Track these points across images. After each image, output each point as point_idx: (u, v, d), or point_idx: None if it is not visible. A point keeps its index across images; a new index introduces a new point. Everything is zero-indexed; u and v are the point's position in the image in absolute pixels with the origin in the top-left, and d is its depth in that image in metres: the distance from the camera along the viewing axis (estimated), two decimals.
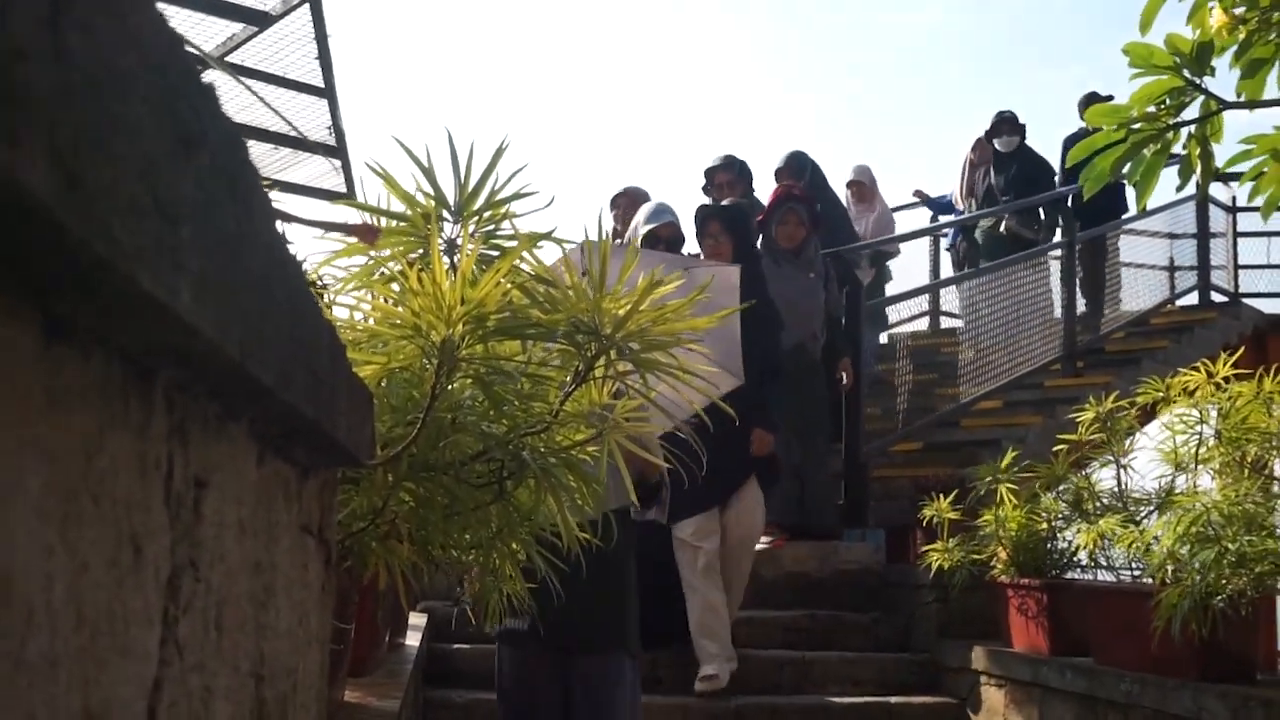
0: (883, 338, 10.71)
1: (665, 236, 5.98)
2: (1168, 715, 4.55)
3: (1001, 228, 10.67)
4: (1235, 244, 12.90)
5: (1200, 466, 4.54)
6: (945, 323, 12.81)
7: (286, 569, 1.14)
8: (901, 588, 7.04)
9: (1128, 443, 5.03)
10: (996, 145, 10.80)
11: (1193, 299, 12.40)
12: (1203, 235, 12.40)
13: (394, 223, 2.00)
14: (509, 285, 1.77)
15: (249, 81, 7.96)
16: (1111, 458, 5.10)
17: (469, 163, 1.91)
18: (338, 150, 8.73)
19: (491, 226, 1.98)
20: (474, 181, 1.92)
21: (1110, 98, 11.38)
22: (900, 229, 11.11)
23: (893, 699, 6.25)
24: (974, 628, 6.38)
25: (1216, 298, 12.39)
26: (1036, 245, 10.44)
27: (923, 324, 12.96)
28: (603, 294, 1.80)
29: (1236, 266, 12.87)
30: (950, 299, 12.52)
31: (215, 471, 0.78)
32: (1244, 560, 4.12)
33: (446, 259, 1.91)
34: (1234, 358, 4.77)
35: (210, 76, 7.89)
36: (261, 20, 7.20)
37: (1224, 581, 4.14)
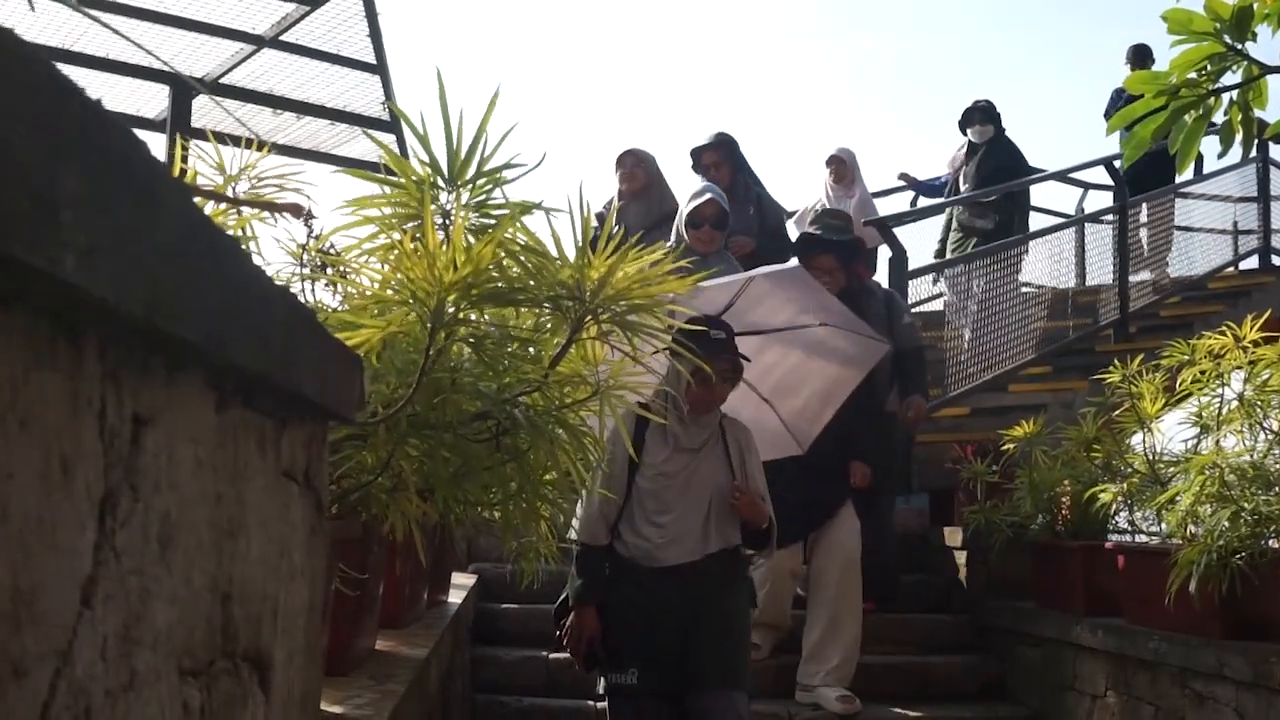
0: (939, 304, 10.68)
1: (710, 215, 6.02)
2: (1193, 672, 4.63)
3: (954, 221, 10.26)
4: None
5: (1223, 428, 4.59)
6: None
7: (261, 506, 1.30)
8: (943, 550, 7.14)
9: (1155, 405, 5.08)
10: (969, 135, 10.32)
11: (1254, 262, 12.30)
12: (1264, 197, 12.28)
13: (394, 191, 2.14)
14: (499, 253, 1.91)
15: (303, 59, 8.16)
16: (1139, 419, 5.15)
17: (460, 131, 2.04)
18: (393, 125, 8.91)
19: (483, 196, 2.12)
20: (465, 149, 2.05)
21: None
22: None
23: (934, 658, 6.37)
24: (1013, 589, 6.47)
25: (1279, 261, 12.27)
26: (994, 239, 9.77)
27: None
28: (585, 261, 1.94)
29: None
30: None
31: (161, 412, 0.93)
32: (1262, 520, 4.19)
33: (441, 229, 2.05)
34: (1260, 320, 4.80)
35: (264, 55, 8.11)
36: (313, 0, 7.37)
37: (1244, 540, 4.21)
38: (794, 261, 5.59)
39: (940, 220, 10.73)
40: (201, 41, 7.86)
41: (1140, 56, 11.39)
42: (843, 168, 9.82)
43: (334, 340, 1.51)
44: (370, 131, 8.36)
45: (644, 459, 4.07)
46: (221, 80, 8.31)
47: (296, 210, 2.02)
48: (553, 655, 5.91)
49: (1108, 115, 11.69)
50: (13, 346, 0.67)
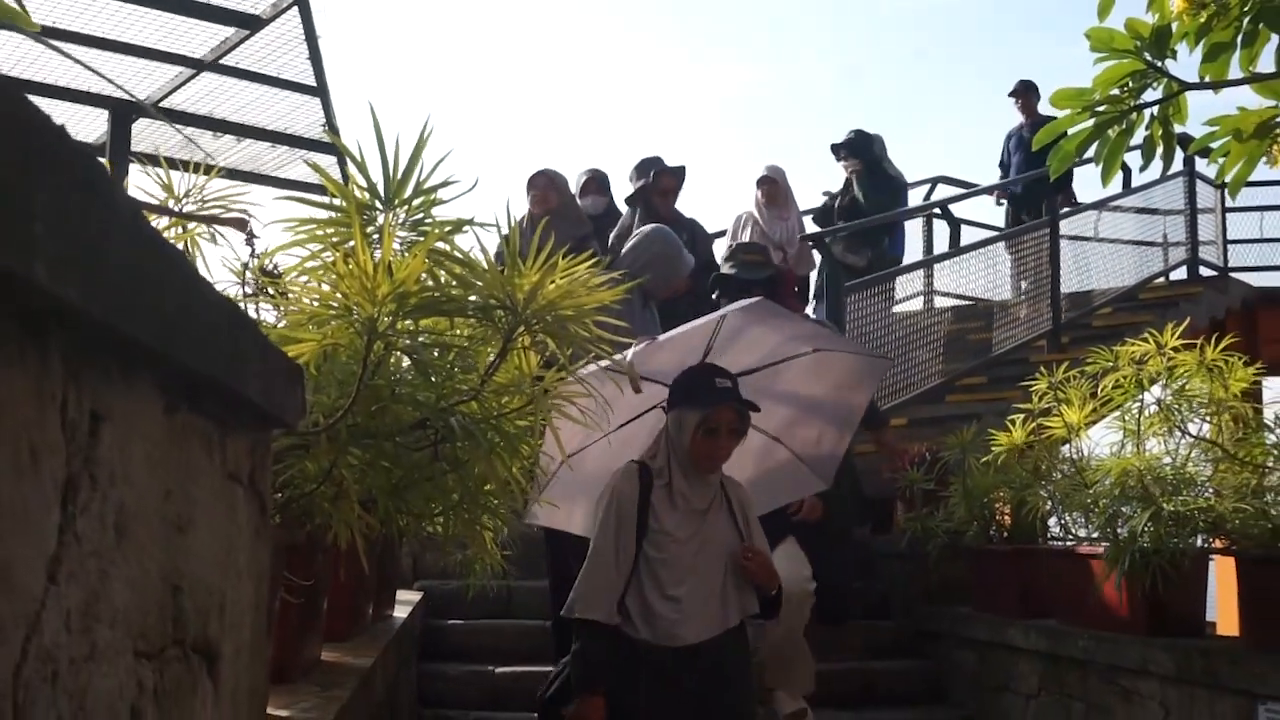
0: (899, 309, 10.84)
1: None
2: (1120, 669, 4.79)
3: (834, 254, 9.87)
4: (1224, 219, 13.07)
5: (1144, 433, 4.75)
6: (940, 302, 13.01)
7: (208, 505, 1.38)
8: (885, 558, 7.27)
9: (1081, 412, 5.24)
10: (842, 166, 10.12)
11: (1183, 273, 12.59)
12: (1191, 210, 12.58)
13: (332, 214, 2.23)
14: (428, 266, 2.01)
15: (242, 83, 8.20)
16: (1066, 426, 5.31)
17: (396, 155, 2.14)
18: (333, 147, 8.95)
19: (421, 214, 2.22)
20: (401, 172, 2.15)
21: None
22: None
23: (875, 664, 6.50)
24: (951, 594, 6.61)
25: (1206, 272, 12.57)
26: (867, 273, 9.50)
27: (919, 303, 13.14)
28: (514, 272, 2.04)
29: (1225, 241, 13.04)
30: (944, 279, 12.72)
31: (114, 411, 1.01)
32: (1181, 520, 4.34)
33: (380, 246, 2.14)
34: (1180, 329, 4.97)
35: (204, 79, 8.14)
36: (252, 23, 7.41)
37: (1165, 540, 4.37)
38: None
39: None
40: (140, 66, 7.87)
41: (1027, 90, 11.68)
42: (774, 188, 9.19)
43: (276, 350, 1.59)
44: (310, 154, 8.41)
45: (651, 524, 3.65)
46: (161, 104, 8.33)
47: (241, 224, 2.10)
48: (499, 670, 5.98)
49: (1002, 164, 12.12)
50: None
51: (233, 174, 8.99)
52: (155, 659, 1.15)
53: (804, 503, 5.37)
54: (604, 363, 2.89)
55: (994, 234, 11.46)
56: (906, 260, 10.49)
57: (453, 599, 6.39)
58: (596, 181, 8.63)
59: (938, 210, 11.63)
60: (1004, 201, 12.10)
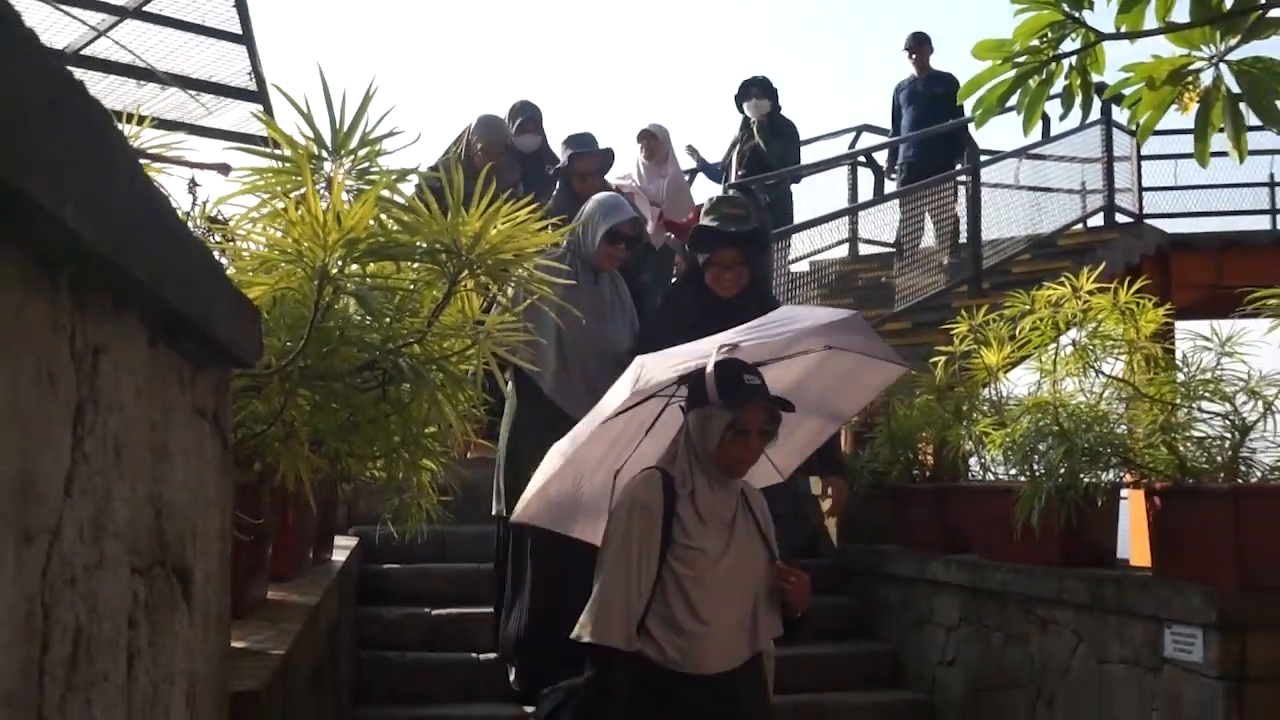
0: (805, 265, 11.04)
1: (628, 234, 5.79)
2: (1037, 599, 4.99)
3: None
4: (1140, 167, 13.36)
5: (1060, 372, 4.93)
6: (864, 249, 13.21)
7: (182, 437, 1.47)
8: (810, 499, 7.45)
9: (1000, 353, 5.41)
10: (746, 110, 9.91)
11: (1100, 220, 12.88)
12: (1108, 159, 12.85)
13: (284, 163, 2.30)
14: (375, 213, 2.09)
15: (167, 30, 8.13)
16: (985, 367, 5.49)
17: (343, 107, 2.22)
18: (259, 95, 8.91)
19: (366, 164, 2.29)
20: (347, 124, 2.22)
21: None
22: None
23: None
24: (876, 533, 6.80)
25: (1122, 219, 12.87)
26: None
27: (844, 250, 13.33)
28: (457, 218, 2.13)
29: (1141, 189, 13.34)
30: (868, 227, 12.92)
31: (110, 343, 1.10)
32: (1094, 456, 4.54)
33: (326, 194, 2.22)
34: (1096, 273, 5.15)
35: (128, 26, 8.06)
36: None
37: (1078, 475, 4.56)
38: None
39: None
40: (61, 14, 7.78)
41: (919, 43, 11.62)
42: (654, 143, 9.04)
43: (239, 292, 1.67)
44: (237, 102, 8.37)
45: (678, 537, 3.30)
46: (83, 52, 8.24)
47: (225, 169, 2.17)
48: (435, 612, 6.08)
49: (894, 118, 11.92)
50: (15, 279, 0.84)
51: (160, 123, 8.94)
52: (145, 575, 1.24)
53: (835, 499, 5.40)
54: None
55: (917, 182, 11.64)
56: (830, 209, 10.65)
57: (388, 544, 6.45)
58: (534, 121, 8.55)
59: (863, 158, 11.80)
60: (894, 174, 11.93)
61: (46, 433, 0.90)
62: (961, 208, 10.97)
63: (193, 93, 9.05)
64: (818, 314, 4.11)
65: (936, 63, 11.65)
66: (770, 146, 9.79)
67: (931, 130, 11.01)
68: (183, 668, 1.43)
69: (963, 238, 11.33)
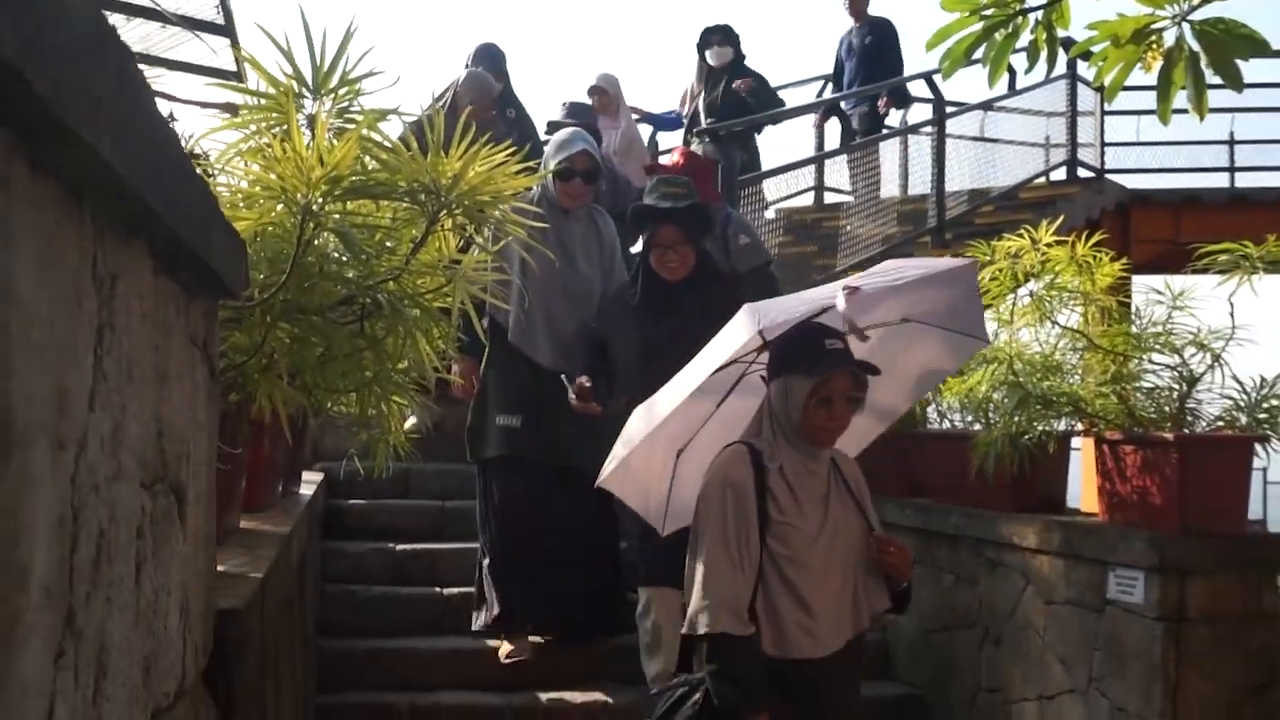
0: (770, 213, 11.10)
1: (582, 168, 5.59)
2: (987, 542, 5.14)
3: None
4: (1103, 122, 13.48)
5: (1017, 323, 5.05)
6: (830, 198, 13.30)
7: (178, 362, 1.54)
8: None
9: None
10: (708, 57, 9.65)
11: (1062, 174, 13.01)
12: (1071, 113, 12.96)
13: (264, 100, 2.36)
14: (359, 152, 2.15)
15: None
16: None
17: (324, 46, 2.27)
18: (226, 29, 8.84)
19: (346, 104, 2.35)
20: (328, 63, 2.28)
21: None
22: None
23: None
24: None
25: (1084, 173, 13.00)
26: (743, 172, 9.15)
27: (809, 199, 13.41)
28: (438, 159, 2.19)
29: (1103, 144, 13.46)
30: (834, 176, 13.01)
31: (123, 270, 1.17)
32: (1047, 404, 4.67)
33: (307, 131, 2.28)
34: (1054, 225, 5.26)
35: None
36: None
37: (1032, 423, 4.69)
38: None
39: None
40: None
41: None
42: (606, 98, 8.88)
43: (231, 226, 1.74)
44: (203, 35, 8.30)
45: (773, 515, 3.11)
46: None
47: (232, 109, 2.22)
48: (399, 547, 6.17)
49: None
50: (52, 207, 0.91)
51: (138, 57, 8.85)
52: (149, 490, 1.32)
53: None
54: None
55: (884, 132, 11.72)
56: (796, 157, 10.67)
57: (352, 480, 6.52)
58: (495, 66, 8.42)
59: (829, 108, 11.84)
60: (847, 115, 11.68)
61: (74, 351, 0.97)
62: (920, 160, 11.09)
63: (160, 24, 8.99)
64: (929, 265, 3.71)
65: (905, 10, 11.58)
66: (738, 97, 9.51)
67: (866, 90, 10.87)
68: (178, 580, 1.51)
69: (914, 189, 11.46)
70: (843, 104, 11.39)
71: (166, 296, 1.42)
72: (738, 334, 3.14)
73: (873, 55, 11.03)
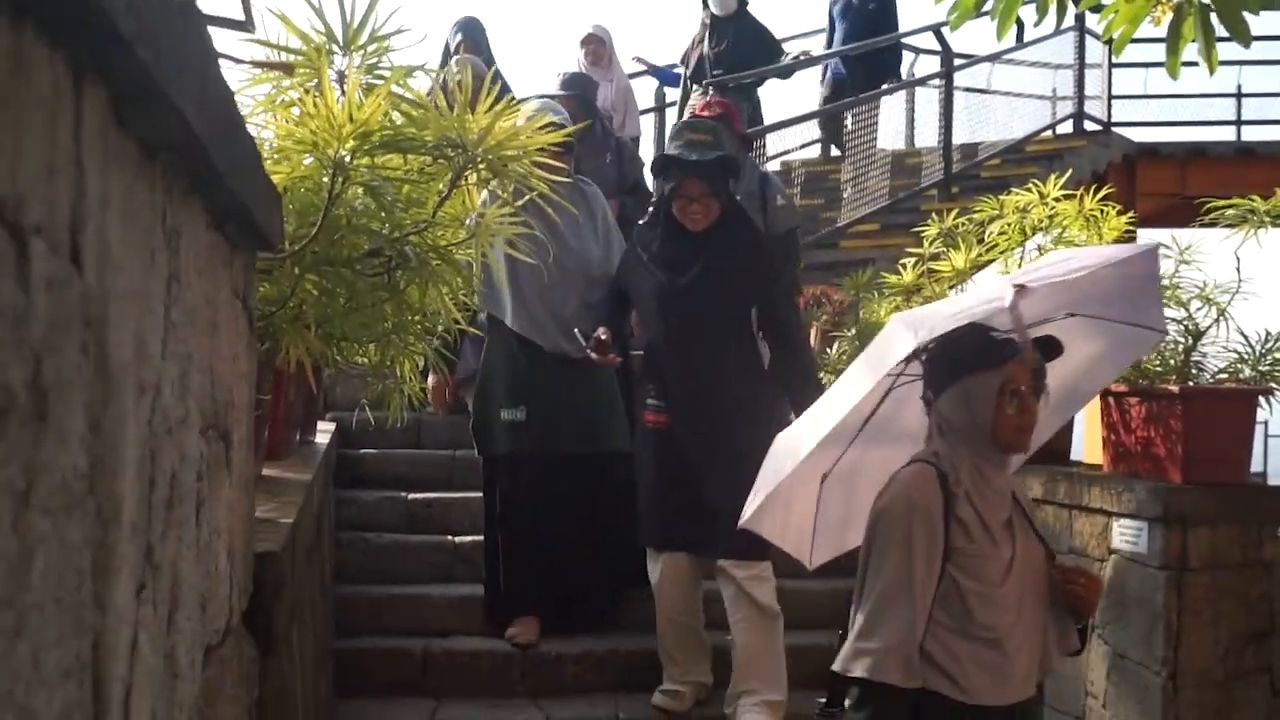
0: (776, 164, 11.11)
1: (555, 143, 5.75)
2: None
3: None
4: (1110, 75, 13.46)
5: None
6: (835, 150, 13.30)
7: (226, 313, 1.60)
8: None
9: (968, 255, 5.57)
10: (712, 8, 9.35)
11: (1069, 127, 13.01)
12: (1079, 66, 12.94)
13: (293, 56, 2.40)
14: (388, 108, 2.20)
15: None
16: (954, 268, 5.65)
17: (354, 3, 2.31)
18: None
19: (375, 60, 2.39)
20: (358, 20, 2.32)
21: None
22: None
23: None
24: None
25: (1091, 126, 13.00)
26: (748, 125, 8.40)
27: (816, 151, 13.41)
28: (466, 114, 2.24)
29: (1110, 96, 13.45)
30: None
31: (184, 225, 1.23)
32: None
33: (337, 87, 2.32)
34: (1063, 179, 5.29)
35: None
36: None
37: None
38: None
39: None
40: None
41: None
42: (601, 48, 8.66)
43: (270, 180, 1.79)
44: (272, 7, 8.32)
45: (960, 543, 2.74)
46: None
47: (288, 70, 2.26)
48: (411, 496, 6.25)
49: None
50: (130, 164, 0.97)
51: None
52: (205, 434, 1.38)
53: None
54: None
55: (891, 85, 11.70)
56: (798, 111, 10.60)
57: (365, 430, 6.61)
58: (474, 39, 8.03)
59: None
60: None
61: (150, 301, 1.03)
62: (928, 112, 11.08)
63: None
64: (1104, 255, 3.15)
65: None
66: (737, 49, 9.29)
67: (866, 45, 10.66)
68: (225, 523, 1.57)
69: (920, 142, 11.44)
70: (835, 65, 11.15)
71: (215, 250, 1.47)
72: (892, 347, 2.74)
73: (873, 21, 10.84)
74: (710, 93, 9.02)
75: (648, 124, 9.89)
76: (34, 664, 0.66)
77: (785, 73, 9.77)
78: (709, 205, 4.64)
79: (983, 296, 2.84)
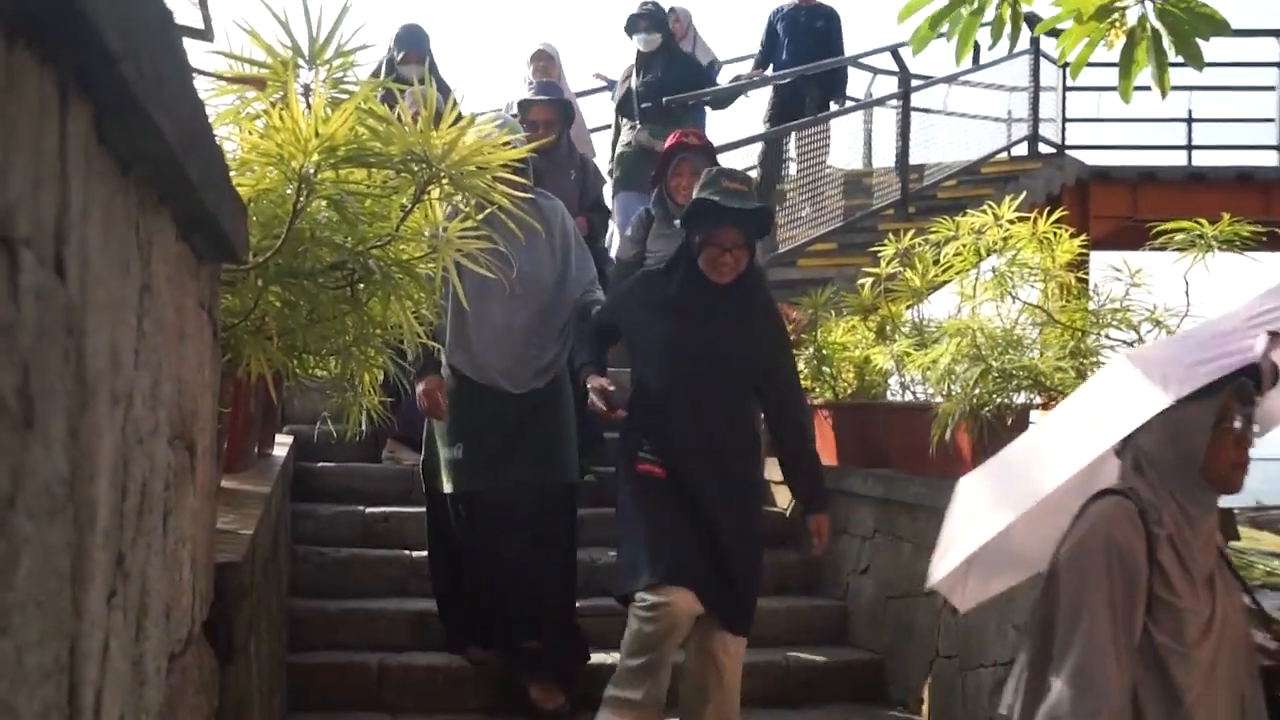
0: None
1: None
2: (947, 511, 5.26)
3: (633, 140, 8.77)
4: (1064, 98, 13.64)
5: (979, 297, 5.17)
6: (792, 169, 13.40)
7: (192, 323, 1.61)
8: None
9: (925, 277, 5.64)
10: (636, 43, 8.97)
11: (1024, 149, 13.17)
12: (1034, 88, 13.11)
13: (259, 70, 2.41)
14: (354, 122, 2.22)
15: None
16: (910, 290, 5.72)
17: (320, 17, 2.34)
18: None
19: (341, 74, 2.41)
20: (324, 35, 2.34)
21: None
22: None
23: None
24: None
25: (1045, 149, 13.16)
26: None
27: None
28: (430, 129, 2.27)
29: (1065, 120, 13.63)
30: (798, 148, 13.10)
31: (156, 236, 1.24)
32: (1007, 377, 4.79)
33: (303, 100, 2.34)
34: (1016, 201, 5.38)
35: None
36: None
37: (992, 395, 4.81)
38: None
39: None
40: None
41: None
42: (550, 65, 8.44)
43: (237, 191, 1.81)
44: (239, 19, 8.30)
45: (1161, 594, 2.44)
46: None
47: (260, 84, 2.27)
48: (369, 510, 6.24)
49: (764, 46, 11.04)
50: (109, 176, 0.99)
51: None
52: (172, 444, 1.39)
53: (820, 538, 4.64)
54: None
55: (850, 105, 11.81)
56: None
57: (323, 443, 6.59)
58: (418, 50, 7.76)
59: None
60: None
61: (124, 311, 1.05)
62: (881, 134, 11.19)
63: None
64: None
65: None
66: (664, 79, 8.84)
67: (822, 64, 10.44)
68: (189, 533, 1.59)
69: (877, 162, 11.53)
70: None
71: (183, 261, 1.49)
72: (1139, 405, 2.41)
73: (821, 41, 10.71)
74: (638, 125, 8.78)
75: (603, 142, 9.76)
76: (18, 663, 0.67)
77: (729, 97, 9.63)
78: (740, 257, 4.44)
79: (1226, 346, 2.47)
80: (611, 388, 4.51)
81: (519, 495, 4.88)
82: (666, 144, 6.28)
